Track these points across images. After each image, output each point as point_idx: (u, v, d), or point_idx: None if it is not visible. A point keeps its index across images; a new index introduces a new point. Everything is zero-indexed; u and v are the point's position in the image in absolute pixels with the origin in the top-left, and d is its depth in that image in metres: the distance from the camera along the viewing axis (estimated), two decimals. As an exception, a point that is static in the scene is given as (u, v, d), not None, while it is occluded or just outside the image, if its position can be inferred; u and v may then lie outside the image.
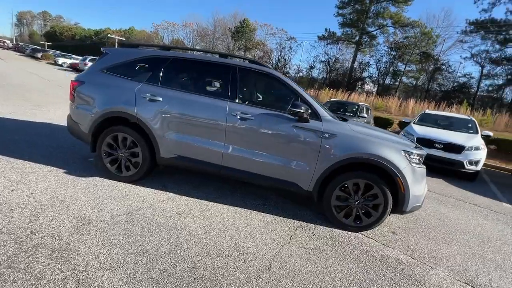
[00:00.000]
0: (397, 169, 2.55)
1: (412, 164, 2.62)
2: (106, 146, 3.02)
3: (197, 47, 45.79)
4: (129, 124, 2.96)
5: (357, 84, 31.30)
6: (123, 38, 44.23)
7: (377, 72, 30.11)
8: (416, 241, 2.77)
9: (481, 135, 6.52)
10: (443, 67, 27.03)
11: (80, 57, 28.21)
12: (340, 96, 20.51)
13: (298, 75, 35.69)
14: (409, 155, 2.63)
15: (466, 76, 26.87)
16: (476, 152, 5.77)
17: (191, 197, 2.96)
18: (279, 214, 2.89)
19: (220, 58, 3.03)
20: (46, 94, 8.56)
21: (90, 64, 22.51)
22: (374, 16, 29.50)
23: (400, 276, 2.15)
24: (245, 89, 3.11)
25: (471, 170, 5.75)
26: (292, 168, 2.74)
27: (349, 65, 31.24)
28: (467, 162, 5.69)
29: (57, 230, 2.02)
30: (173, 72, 3.07)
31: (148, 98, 2.88)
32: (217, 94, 2.94)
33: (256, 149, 2.79)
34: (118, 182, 3.04)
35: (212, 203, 2.91)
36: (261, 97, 3.28)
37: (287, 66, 35.70)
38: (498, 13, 24.32)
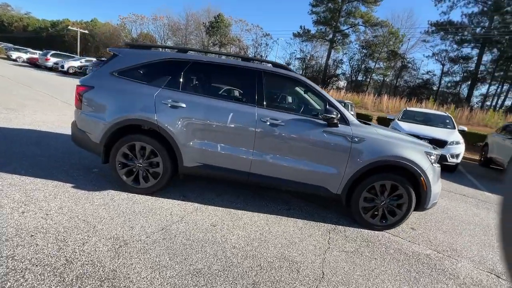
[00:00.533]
0: (421, 170, 2.70)
1: (433, 164, 2.80)
2: (121, 156, 2.79)
3: (169, 42, 43.97)
4: (148, 132, 2.76)
5: (331, 80, 32.47)
6: (86, 31, 40.89)
7: (350, 69, 31.43)
8: (434, 235, 2.97)
9: (458, 130, 7.15)
10: (409, 65, 29.06)
11: (38, 51, 25.56)
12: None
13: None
14: (430, 156, 2.80)
15: (429, 73, 29.25)
16: (456, 146, 6.33)
17: (217, 206, 2.86)
18: (308, 218, 2.91)
19: (245, 62, 2.94)
20: (13, 95, 7.63)
21: (53, 59, 20.63)
22: (346, 15, 30.68)
23: (436, 271, 2.29)
24: (271, 94, 3.05)
25: (453, 162, 6.30)
26: (322, 172, 2.77)
27: (324, 62, 32.24)
28: (449, 156, 6.21)
29: (95, 256, 1.83)
30: (194, 77, 2.92)
31: (169, 105, 2.70)
32: (243, 99, 2.84)
33: (286, 154, 2.77)
34: (136, 195, 2.83)
35: (240, 211, 2.84)
36: (287, 102, 3.24)
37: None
38: (456, 16, 26.69)
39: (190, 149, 2.75)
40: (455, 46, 26.32)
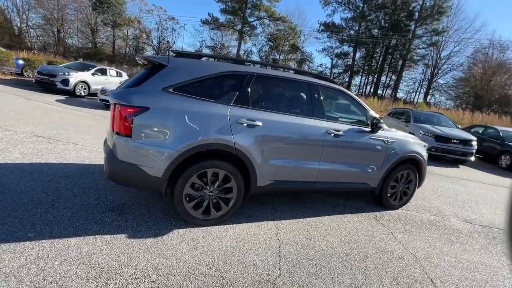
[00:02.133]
0: (424, 159, 3.64)
1: (427, 152, 3.80)
2: (190, 187, 2.37)
3: (32, 15, 33.50)
4: (221, 156, 2.45)
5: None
6: None
7: (260, 60, 33.51)
8: (436, 205, 4.05)
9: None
10: (307, 58, 33.77)
11: None
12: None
13: (185, 59, 33.92)
14: (425, 147, 3.79)
15: (321, 66, 34.96)
16: (475, 142, 8.19)
17: (288, 219, 2.91)
18: (354, 212, 3.38)
19: (303, 75, 2.97)
20: None
21: None
22: (253, 7, 32.06)
23: (444, 228, 3.27)
24: (326, 107, 3.21)
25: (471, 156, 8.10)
26: (367, 171, 3.27)
27: (235, 53, 32.93)
28: (471, 151, 8.02)
29: (269, 307, 1.67)
30: (259, 91, 2.72)
31: (245, 124, 2.47)
32: (310, 113, 2.89)
33: (343, 160, 3.09)
34: (208, 227, 2.50)
35: (307, 219, 2.99)
36: (338, 113, 3.46)
37: (172, 49, 33.06)
38: (337, 19, 32.76)
39: (265, 168, 2.64)
40: (338, 44, 32.66)
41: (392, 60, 32.06)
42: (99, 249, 1.97)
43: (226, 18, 32.82)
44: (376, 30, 31.15)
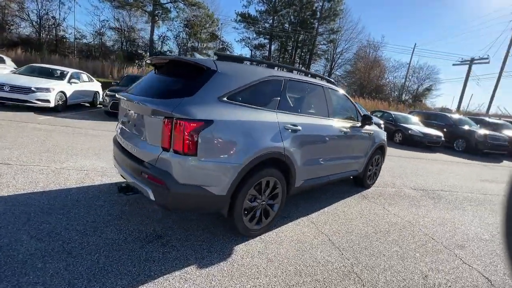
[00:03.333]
0: (386, 143, 4.56)
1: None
2: (248, 200, 2.28)
3: None
4: (273, 164, 2.43)
5: (160, 58, 30.65)
6: None
7: (178, 48, 31.19)
8: (388, 180, 5.09)
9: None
10: (227, 47, 33.65)
11: None
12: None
13: (82, 41, 27.93)
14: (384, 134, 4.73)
15: (241, 55, 35.58)
16: None
17: (317, 212, 3.16)
18: (347, 196, 3.96)
19: (317, 79, 3.16)
20: None
21: None
22: (165, -12, 29.07)
23: (404, 196, 4.29)
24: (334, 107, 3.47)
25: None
26: (358, 161, 3.86)
27: (149, 38, 29.43)
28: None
29: None
30: (293, 96, 2.76)
31: (290, 130, 2.52)
32: (326, 114, 3.13)
33: (348, 153, 3.56)
34: (261, 236, 2.48)
35: (329, 208, 3.34)
36: (340, 112, 3.74)
37: (61, 27, 26.55)
38: (253, 10, 33.56)
39: (301, 170, 2.77)
40: (255, 35, 33.92)
41: (302, 53, 35.98)
42: (185, 290, 1.70)
43: (133, -4, 28.54)
44: (287, 25, 34.01)
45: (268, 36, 34.27)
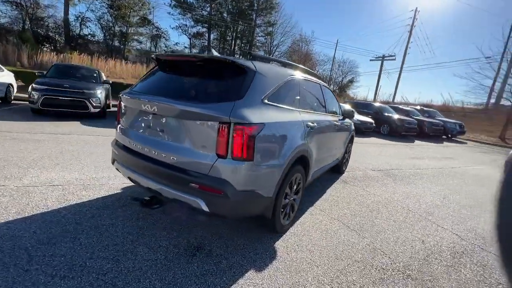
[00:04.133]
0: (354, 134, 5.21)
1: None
2: (284, 198, 2.36)
3: None
4: (300, 161, 2.54)
5: (79, 42, 26.08)
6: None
7: (102, 32, 27.04)
8: (352, 164, 5.78)
9: None
10: (163, 34, 30.95)
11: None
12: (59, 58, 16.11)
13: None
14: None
15: (177, 44, 33.32)
16: None
17: (319, 200, 3.43)
18: (333, 182, 4.40)
19: (312, 75, 3.34)
20: None
21: None
22: (79, -41, 24.48)
23: (375, 178, 5.06)
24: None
25: None
26: (340, 150, 4.32)
27: (62, 17, 24.53)
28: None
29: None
30: (306, 94, 2.87)
31: (310, 127, 2.66)
32: (325, 110, 3.36)
33: (338, 143, 3.94)
34: (290, 230, 2.60)
35: (326, 195, 3.66)
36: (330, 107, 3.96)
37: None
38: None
39: (313, 164, 2.98)
40: (193, 23, 32.13)
41: (242, 44, 36.07)
42: (261, 295, 1.70)
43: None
44: (225, 14, 33.38)
45: (206, 25, 33.01)
